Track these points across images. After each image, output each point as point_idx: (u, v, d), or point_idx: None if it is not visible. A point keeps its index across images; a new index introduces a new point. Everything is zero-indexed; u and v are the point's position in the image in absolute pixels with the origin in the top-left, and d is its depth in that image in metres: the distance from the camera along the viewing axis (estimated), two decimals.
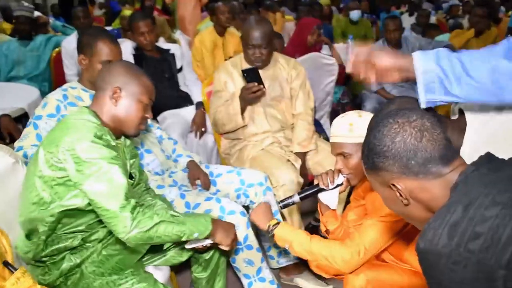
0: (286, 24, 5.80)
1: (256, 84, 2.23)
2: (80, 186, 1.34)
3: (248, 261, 1.91)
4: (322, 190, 1.55)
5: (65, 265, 1.47)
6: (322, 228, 1.64)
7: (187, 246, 1.59)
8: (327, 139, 2.75)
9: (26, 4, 4.54)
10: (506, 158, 0.92)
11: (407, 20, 6.71)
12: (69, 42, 3.43)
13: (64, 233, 1.45)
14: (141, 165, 1.82)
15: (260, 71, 2.26)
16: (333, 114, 3.48)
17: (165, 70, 2.95)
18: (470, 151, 1.19)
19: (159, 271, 1.68)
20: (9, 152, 1.56)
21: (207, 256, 1.74)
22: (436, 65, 1.09)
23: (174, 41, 4.13)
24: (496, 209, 0.77)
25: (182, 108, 2.94)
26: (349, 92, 3.98)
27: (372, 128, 0.96)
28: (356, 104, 3.88)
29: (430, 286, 0.84)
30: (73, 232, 1.46)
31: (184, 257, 1.72)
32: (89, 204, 1.37)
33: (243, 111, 2.33)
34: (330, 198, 1.57)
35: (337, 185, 1.53)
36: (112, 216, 1.33)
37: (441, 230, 0.79)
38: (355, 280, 1.41)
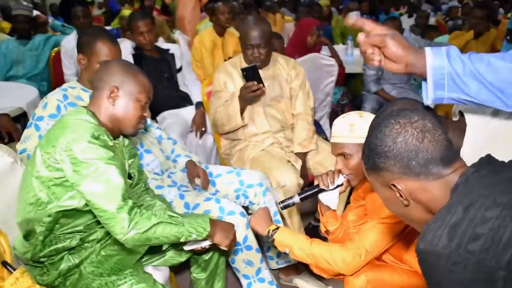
0: (285, 25, 5.80)
1: (255, 82, 2.22)
2: (77, 186, 1.33)
3: (248, 261, 1.91)
4: (322, 190, 1.55)
5: (64, 265, 1.46)
6: (322, 229, 1.64)
7: (186, 248, 1.58)
8: (326, 140, 2.75)
9: (25, 3, 4.54)
10: (506, 160, 0.93)
11: (406, 22, 6.72)
12: (69, 42, 3.43)
13: (62, 234, 1.45)
14: (141, 165, 1.81)
15: (260, 71, 2.25)
16: (333, 115, 3.48)
17: (165, 70, 2.94)
18: (470, 152, 1.19)
19: (158, 271, 1.68)
20: (8, 151, 1.55)
21: (206, 256, 1.73)
22: (448, 63, 1.08)
23: (173, 41, 4.13)
24: (496, 210, 0.77)
25: (181, 108, 2.94)
26: (349, 93, 3.97)
27: (374, 128, 0.96)
28: (356, 105, 3.87)
29: (430, 287, 0.83)
30: (71, 233, 1.45)
31: (184, 257, 1.72)
32: (86, 204, 1.37)
33: (242, 111, 2.33)
34: (330, 199, 1.57)
35: (337, 186, 1.53)
36: (109, 217, 1.32)
37: (441, 231, 0.79)
38: (355, 281, 1.41)
